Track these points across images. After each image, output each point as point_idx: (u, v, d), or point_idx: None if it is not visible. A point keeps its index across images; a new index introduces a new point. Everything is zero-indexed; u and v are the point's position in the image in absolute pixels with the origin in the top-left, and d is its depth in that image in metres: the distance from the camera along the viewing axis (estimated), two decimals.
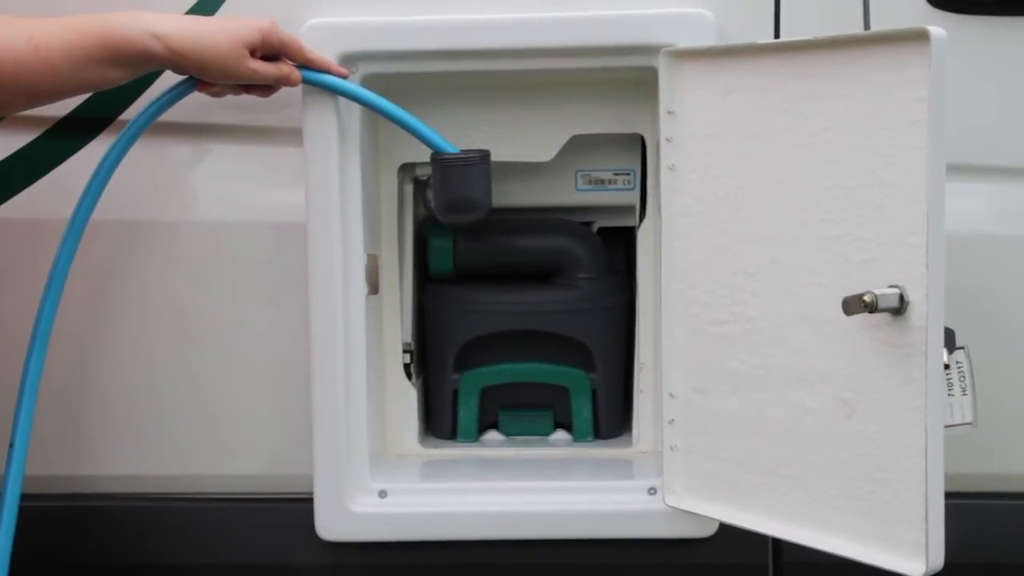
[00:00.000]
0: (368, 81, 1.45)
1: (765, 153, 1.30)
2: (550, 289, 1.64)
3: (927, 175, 1.14)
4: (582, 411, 1.65)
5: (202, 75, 1.34)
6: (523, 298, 1.62)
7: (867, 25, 1.43)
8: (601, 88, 1.54)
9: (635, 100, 1.52)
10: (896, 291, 1.17)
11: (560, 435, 1.68)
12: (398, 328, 1.62)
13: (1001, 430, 1.49)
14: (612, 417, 1.66)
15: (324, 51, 1.41)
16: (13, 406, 1.36)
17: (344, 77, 1.41)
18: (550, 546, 1.52)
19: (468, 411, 1.65)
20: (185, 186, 1.54)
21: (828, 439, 1.26)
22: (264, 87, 1.39)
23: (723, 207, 1.35)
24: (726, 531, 1.43)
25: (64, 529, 1.56)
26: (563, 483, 1.53)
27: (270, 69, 1.35)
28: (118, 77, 1.29)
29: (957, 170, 1.30)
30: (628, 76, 1.49)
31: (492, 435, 1.68)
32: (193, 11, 1.46)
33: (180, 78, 1.37)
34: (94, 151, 1.45)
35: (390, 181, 1.59)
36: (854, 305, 1.18)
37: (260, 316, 1.54)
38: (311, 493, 1.49)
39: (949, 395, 1.40)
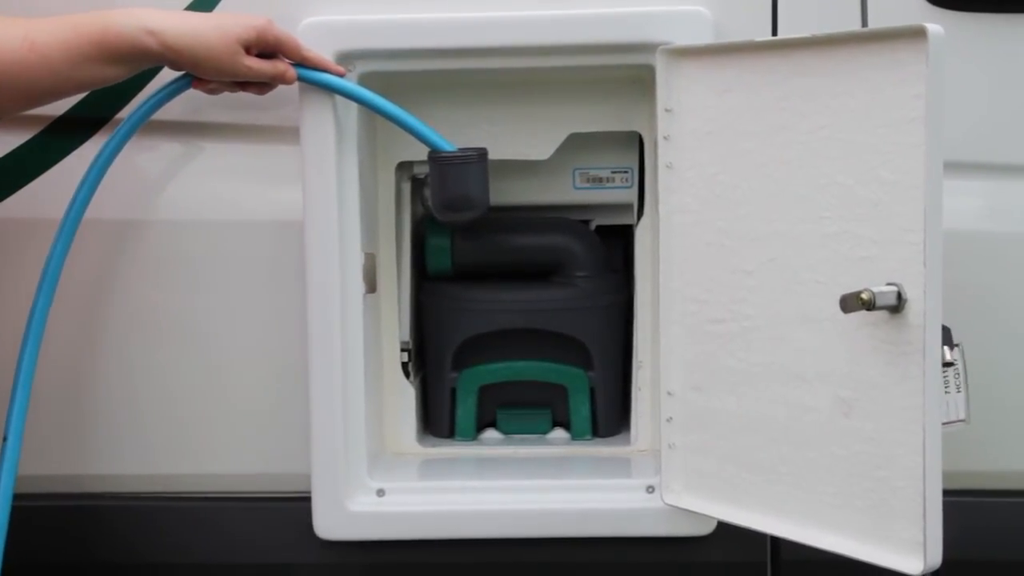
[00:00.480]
0: (365, 79, 1.45)
1: (763, 151, 1.30)
2: (548, 287, 1.63)
3: (925, 172, 1.14)
4: (580, 409, 1.65)
5: (197, 71, 1.34)
6: (521, 296, 1.62)
7: (865, 23, 1.43)
8: (599, 86, 1.53)
9: (633, 98, 1.52)
10: (894, 289, 1.17)
11: (558, 433, 1.68)
12: (396, 327, 1.62)
13: (998, 428, 1.49)
14: (610, 415, 1.66)
15: (321, 49, 1.41)
16: (6, 404, 1.36)
17: (341, 75, 1.41)
18: (548, 544, 1.52)
19: (466, 410, 1.65)
20: (183, 185, 1.54)
21: (826, 437, 1.26)
22: (260, 84, 1.39)
23: (721, 205, 1.34)
24: (724, 529, 1.43)
25: (61, 529, 1.56)
26: (561, 481, 1.53)
27: (265, 66, 1.35)
28: (115, 74, 1.29)
29: (955, 167, 1.30)
30: (626, 74, 1.49)
31: (490, 434, 1.68)
32: (190, 8, 1.46)
33: (177, 75, 1.37)
34: (91, 150, 1.44)
35: (388, 179, 1.59)
36: (852, 303, 1.17)
37: (257, 315, 1.53)
38: (309, 492, 1.49)
39: (945, 392, 1.40)
